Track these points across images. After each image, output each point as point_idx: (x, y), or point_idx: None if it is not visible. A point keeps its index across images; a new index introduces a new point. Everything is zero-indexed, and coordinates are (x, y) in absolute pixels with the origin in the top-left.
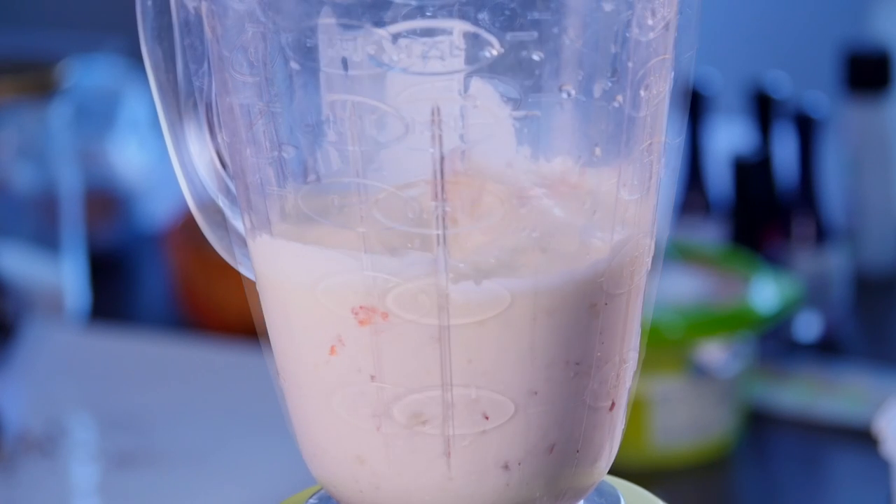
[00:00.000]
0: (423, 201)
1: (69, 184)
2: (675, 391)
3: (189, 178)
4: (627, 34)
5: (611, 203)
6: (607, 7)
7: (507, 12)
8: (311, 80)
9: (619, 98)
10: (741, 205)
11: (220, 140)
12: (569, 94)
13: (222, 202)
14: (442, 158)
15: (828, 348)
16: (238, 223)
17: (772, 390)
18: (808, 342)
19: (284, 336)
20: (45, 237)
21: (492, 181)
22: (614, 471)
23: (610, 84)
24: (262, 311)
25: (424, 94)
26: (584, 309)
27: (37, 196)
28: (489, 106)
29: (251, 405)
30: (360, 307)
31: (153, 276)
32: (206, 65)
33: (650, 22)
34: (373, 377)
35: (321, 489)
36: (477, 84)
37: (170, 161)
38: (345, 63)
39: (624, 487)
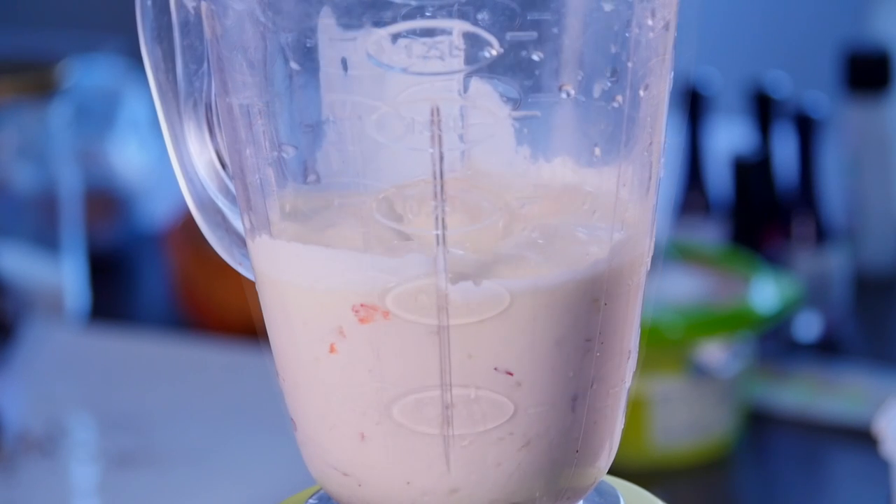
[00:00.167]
0: (422, 201)
1: (69, 184)
2: (675, 391)
3: (189, 178)
4: (627, 34)
5: (611, 203)
6: (607, 7)
7: (506, 12)
8: (311, 80)
9: (619, 98)
10: (741, 205)
11: (219, 140)
12: (568, 95)
13: (222, 202)
14: (441, 158)
15: (828, 348)
16: (238, 223)
17: (772, 390)
18: (808, 342)
19: (284, 335)
20: (45, 237)
21: (491, 181)
22: (614, 471)
23: (610, 84)
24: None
25: (424, 94)
26: (584, 309)
27: (37, 196)
28: (489, 106)
29: (251, 405)
30: (362, 305)
31: (153, 276)
32: (205, 65)
33: (650, 22)
34: (372, 377)
35: (321, 489)
36: (476, 84)
37: (170, 161)
38: (345, 63)
39: (624, 487)
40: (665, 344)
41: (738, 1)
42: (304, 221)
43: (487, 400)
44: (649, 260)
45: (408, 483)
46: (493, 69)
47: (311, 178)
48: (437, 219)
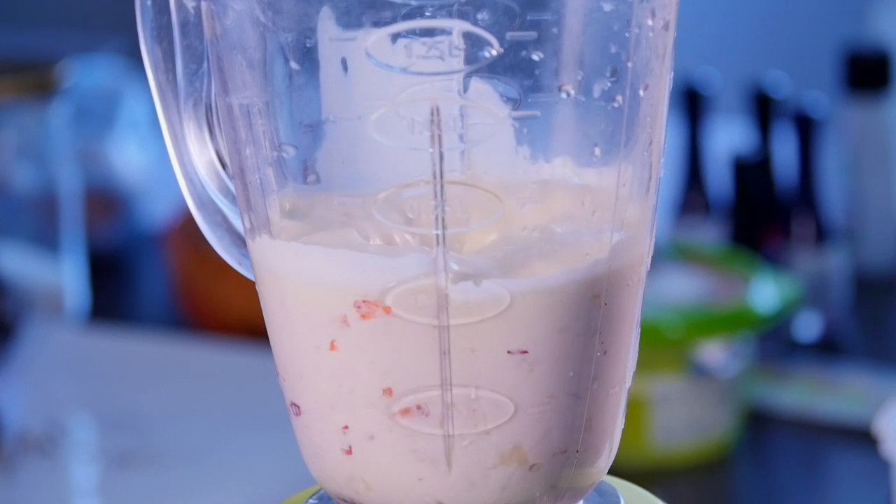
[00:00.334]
0: (422, 201)
1: (69, 184)
2: (675, 391)
3: (189, 178)
4: (627, 34)
5: (610, 203)
6: (607, 7)
7: (507, 12)
8: (311, 80)
9: (619, 98)
10: (741, 205)
11: (219, 140)
12: (568, 94)
13: (222, 202)
14: (441, 158)
15: (828, 348)
16: (238, 223)
17: (772, 390)
18: (808, 342)
19: (284, 335)
20: (45, 237)
21: (491, 181)
22: (614, 471)
23: (610, 84)
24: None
25: (424, 94)
26: (584, 308)
27: (37, 196)
28: (489, 106)
29: (251, 405)
30: (364, 301)
31: (153, 276)
32: (205, 65)
33: (650, 22)
34: (372, 376)
35: (321, 489)
36: (476, 84)
37: (170, 161)
38: (345, 63)
39: (624, 487)
40: (665, 344)
41: (738, 1)
42: (304, 221)
43: (488, 400)
44: (649, 260)
45: (408, 483)
46: (493, 69)
47: (311, 177)
48: (437, 219)
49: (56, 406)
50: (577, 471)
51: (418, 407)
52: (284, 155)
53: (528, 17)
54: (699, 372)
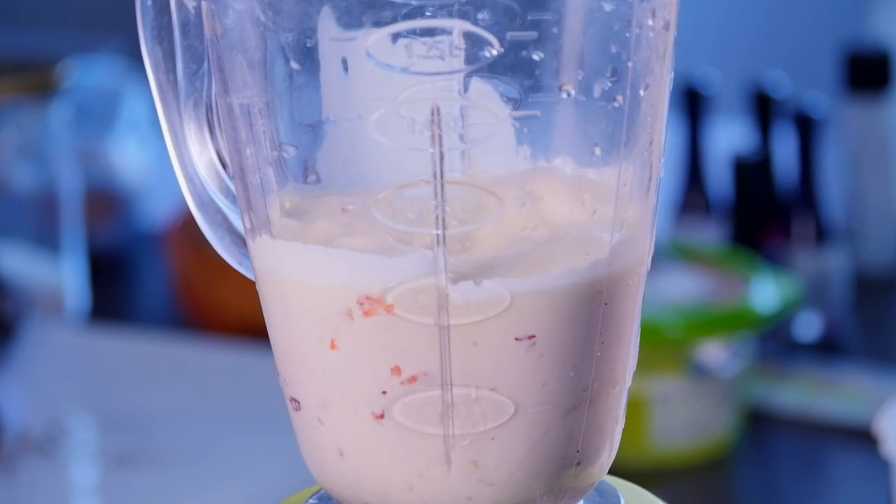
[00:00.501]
0: (422, 201)
1: (69, 184)
2: (675, 391)
3: (189, 178)
4: (627, 34)
5: (611, 203)
6: (607, 7)
7: (507, 12)
8: (311, 80)
9: (619, 98)
10: (741, 205)
11: (220, 140)
12: (569, 94)
13: (222, 202)
14: (441, 158)
15: (828, 348)
16: (238, 223)
17: (772, 390)
18: (808, 342)
19: (284, 335)
20: (45, 237)
21: (491, 181)
22: (614, 471)
23: (610, 84)
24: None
25: (424, 94)
26: (584, 309)
27: (37, 196)
28: (489, 106)
29: (251, 405)
30: (367, 298)
31: (153, 276)
32: (205, 65)
33: (650, 22)
34: (372, 376)
35: (321, 489)
36: (477, 84)
37: (170, 161)
38: (345, 63)
39: (624, 487)
40: (665, 344)
41: (738, 1)
42: (305, 221)
43: (488, 400)
44: (649, 260)
45: (408, 483)
46: (493, 69)
47: (312, 177)
48: (437, 219)
49: (56, 406)
50: (577, 471)
51: (418, 407)
52: (285, 155)
53: (528, 17)
54: (699, 372)
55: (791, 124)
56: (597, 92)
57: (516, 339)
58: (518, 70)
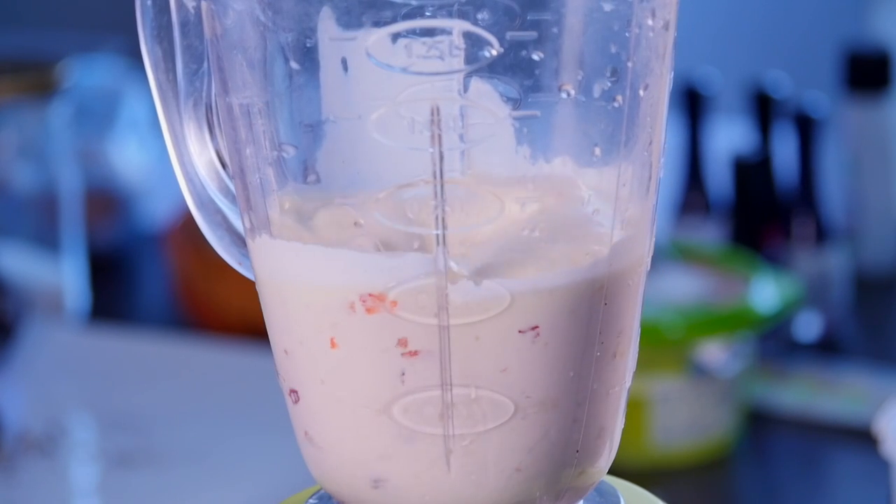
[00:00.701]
0: (422, 201)
1: (69, 184)
2: (675, 391)
3: (189, 178)
4: (627, 34)
5: (611, 203)
6: (607, 7)
7: (507, 12)
8: (311, 80)
9: (619, 98)
10: (741, 205)
11: (219, 140)
12: (568, 94)
13: (222, 202)
14: (441, 158)
15: (828, 348)
16: (238, 223)
17: (772, 390)
18: (808, 342)
19: (284, 334)
20: (45, 237)
21: (491, 181)
22: (614, 471)
23: (610, 84)
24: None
25: (424, 94)
26: (584, 309)
27: (37, 196)
28: (489, 106)
29: (251, 405)
30: (370, 294)
31: (153, 276)
32: (205, 65)
33: (650, 22)
34: (372, 375)
35: (321, 489)
36: (476, 84)
37: (170, 161)
38: (345, 63)
39: (624, 487)
40: (665, 344)
41: (738, 1)
42: (305, 221)
43: (488, 400)
44: (649, 260)
45: (408, 483)
46: (493, 69)
47: (311, 177)
48: (437, 219)
49: (56, 406)
50: (577, 471)
51: (418, 407)
52: (284, 155)
53: (528, 17)
54: (699, 372)
55: (791, 124)
56: (596, 92)
57: (520, 331)
58: (518, 70)
